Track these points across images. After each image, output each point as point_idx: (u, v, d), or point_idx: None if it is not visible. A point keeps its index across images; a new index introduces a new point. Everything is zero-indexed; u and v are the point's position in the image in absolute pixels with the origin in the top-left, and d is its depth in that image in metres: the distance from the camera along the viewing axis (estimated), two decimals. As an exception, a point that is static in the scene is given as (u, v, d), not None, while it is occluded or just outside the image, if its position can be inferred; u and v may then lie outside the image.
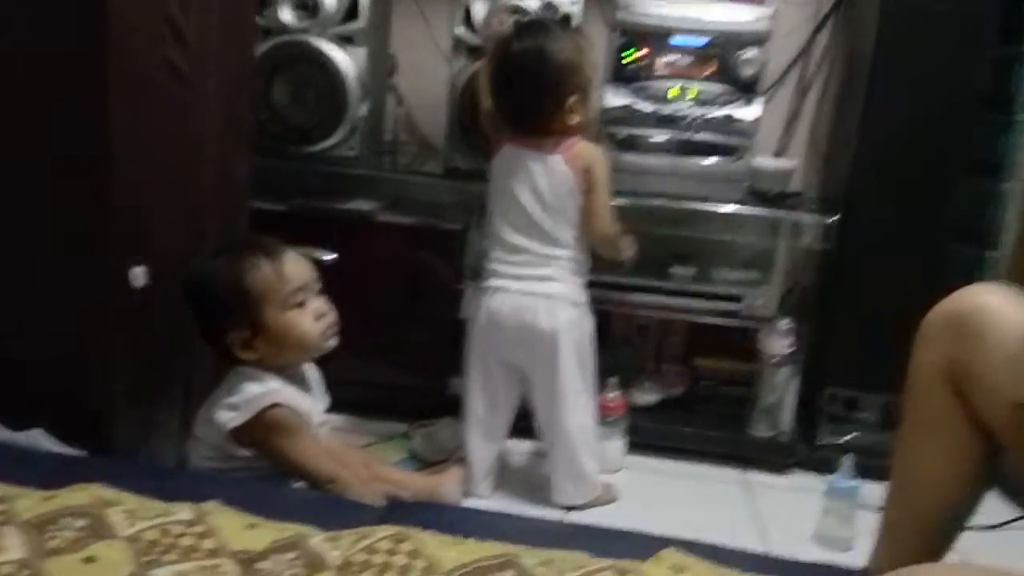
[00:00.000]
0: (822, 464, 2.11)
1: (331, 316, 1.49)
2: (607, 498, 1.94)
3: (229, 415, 1.40)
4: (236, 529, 1.08)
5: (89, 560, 1.00)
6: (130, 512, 1.09)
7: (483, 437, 1.91)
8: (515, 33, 1.82)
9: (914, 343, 1.15)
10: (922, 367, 1.14)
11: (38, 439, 1.35)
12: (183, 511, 1.10)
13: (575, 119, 1.78)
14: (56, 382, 1.39)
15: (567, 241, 1.81)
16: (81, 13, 1.32)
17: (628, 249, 1.89)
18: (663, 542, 1.14)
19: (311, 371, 1.56)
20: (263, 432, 1.41)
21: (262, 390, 1.41)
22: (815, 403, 2.20)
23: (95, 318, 1.39)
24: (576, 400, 1.85)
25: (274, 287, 1.43)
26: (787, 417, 2.18)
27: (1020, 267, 2.11)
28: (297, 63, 2.14)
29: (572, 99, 1.77)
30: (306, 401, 1.48)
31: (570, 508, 1.89)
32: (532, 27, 1.85)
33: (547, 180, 1.79)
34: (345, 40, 2.13)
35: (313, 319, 1.46)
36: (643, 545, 1.13)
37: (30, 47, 1.34)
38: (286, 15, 2.12)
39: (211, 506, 1.12)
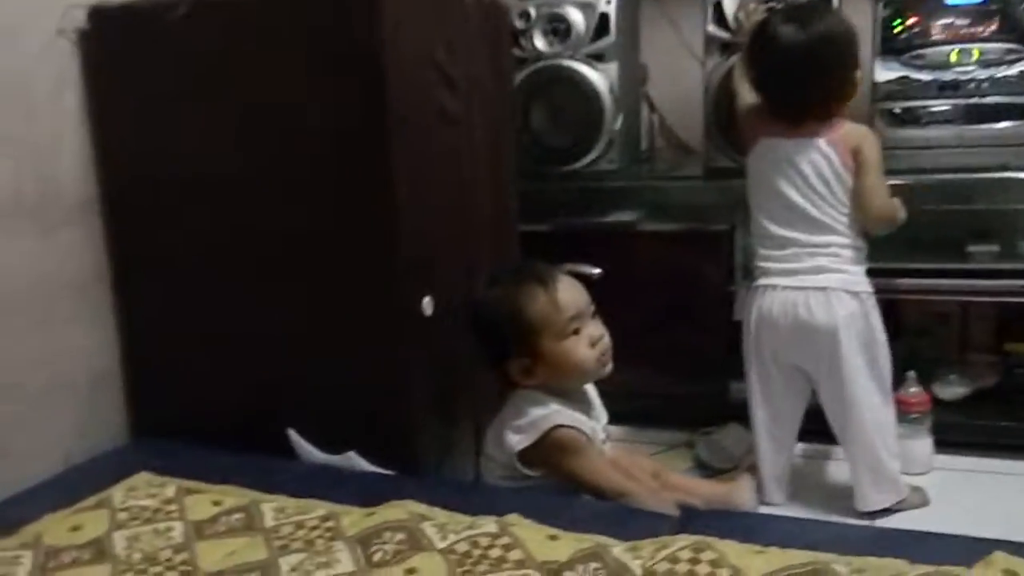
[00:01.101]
0: None
1: (606, 341, 1.50)
2: (917, 502, 1.79)
3: (516, 438, 1.45)
4: (539, 540, 1.11)
5: (410, 572, 1.07)
6: (441, 526, 1.16)
7: (770, 442, 1.84)
8: (775, 19, 1.76)
9: None
10: None
11: (354, 460, 1.48)
12: (489, 524, 1.15)
13: (846, 99, 1.70)
14: (364, 408, 1.52)
15: (838, 227, 1.71)
16: (358, 67, 1.44)
17: (900, 211, 1.74)
18: (989, 545, 1.03)
19: (590, 389, 1.59)
20: (549, 452, 1.45)
21: (545, 412, 1.45)
22: None
23: (393, 348, 1.50)
24: (867, 397, 1.73)
25: (550, 317, 1.46)
26: None
27: None
28: (552, 86, 2.20)
29: (844, 78, 1.68)
30: (587, 420, 1.51)
31: (874, 514, 1.77)
32: (792, 11, 1.79)
33: (812, 166, 1.70)
34: (596, 58, 2.17)
35: (588, 346, 1.47)
36: (966, 549, 1.04)
37: (312, 104, 1.47)
38: (540, 42, 2.19)
39: (513, 519, 1.17)
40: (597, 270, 2.07)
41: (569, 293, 1.49)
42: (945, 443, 1.98)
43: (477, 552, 1.09)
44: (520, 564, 1.07)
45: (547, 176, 2.24)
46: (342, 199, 1.49)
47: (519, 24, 2.18)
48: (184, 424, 1.56)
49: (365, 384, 1.51)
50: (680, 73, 2.39)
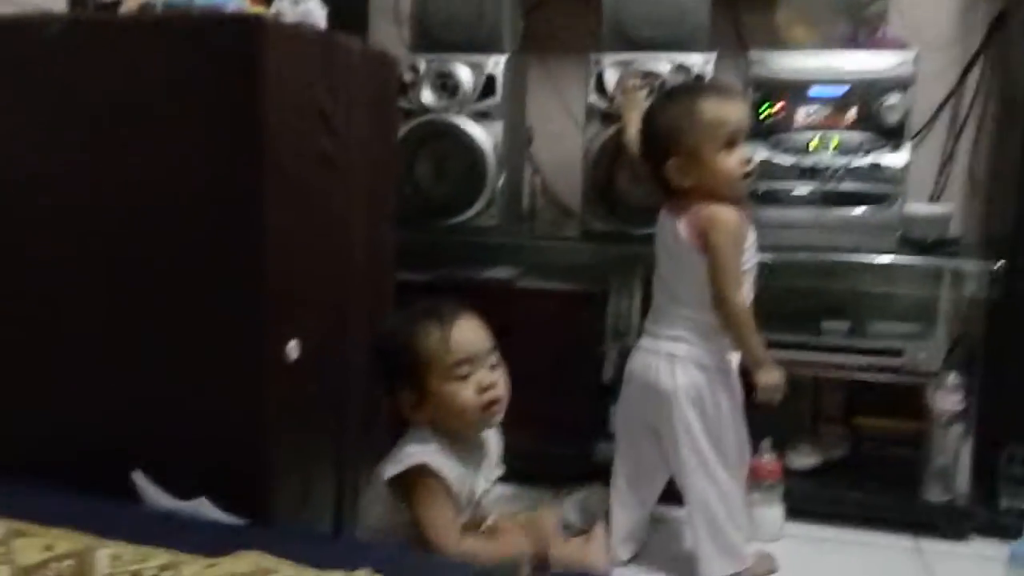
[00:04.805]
0: (1004, 529, 1.95)
1: (498, 392, 1.46)
2: (765, 569, 1.84)
3: (388, 466, 1.43)
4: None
5: (248, 625, 1.03)
6: (286, 579, 1.12)
7: (626, 499, 1.87)
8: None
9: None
10: None
11: (203, 507, 1.42)
12: (335, 579, 1.12)
13: (686, 181, 1.71)
14: (217, 453, 1.46)
15: (692, 302, 1.75)
16: (236, 107, 1.42)
17: (772, 376, 1.74)
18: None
19: (492, 441, 1.55)
20: (408, 488, 1.43)
21: (420, 448, 1.43)
22: (993, 463, 2.04)
23: (250, 392, 1.46)
24: (708, 467, 1.75)
25: (439, 356, 1.43)
26: (962, 479, 2.03)
27: None
28: (437, 140, 2.23)
29: (672, 161, 1.71)
30: (465, 474, 1.48)
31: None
32: (670, 91, 1.88)
33: (674, 241, 1.75)
34: (482, 116, 2.21)
35: (476, 392, 1.44)
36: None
37: (186, 140, 1.44)
38: (427, 96, 2.22)
39: (362, 574, 1.14)
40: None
41: (466, 335, 1.46)
42: (796, 511, 2.05)
43: (320, 608, 1.06)
44: (364, 621, 1.04)
45: (428, 228, 2.26)
46: (208, 236, 1.45)
47: (408, 77, 2.21)
48: (18, 459, 1.46)
49: (220, 427, 1.46)
50: (563, 137, 2.47)
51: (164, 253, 1.47)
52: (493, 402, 1.46)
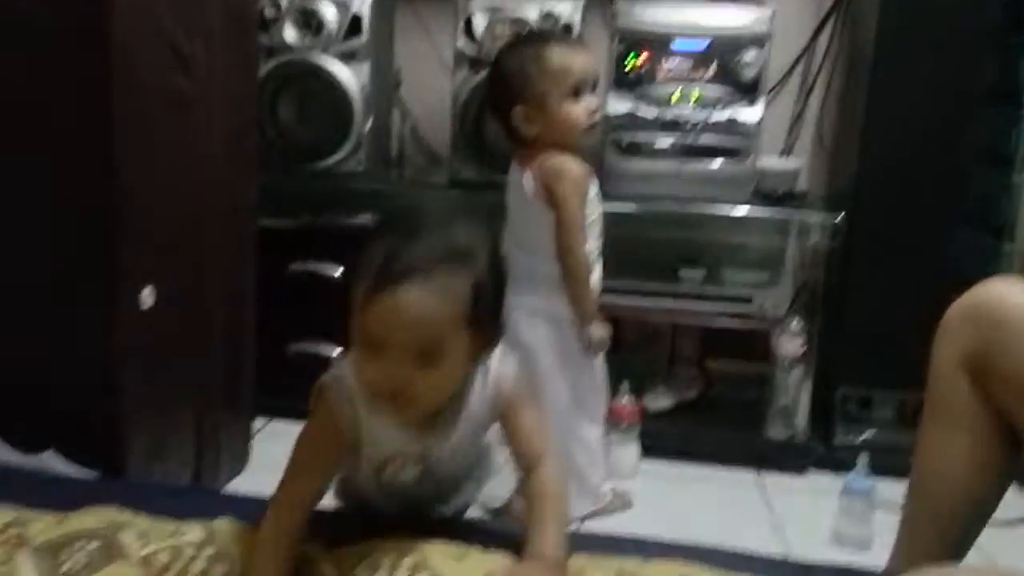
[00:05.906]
0: (839, 464, 2.09)
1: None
2: (620, 505, 1.93)
3: None
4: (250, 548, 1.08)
5: (102, 583, 1.00)
6: (142, 533, 1.09)
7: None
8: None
9: (935, 336, 1.14)
10: (943, 360, 1.12)
11: (50, 462, 1.36)
12: (194, 531, 1.11)
13: (531, 129, 1.72)
14: (67, 404, 1.41)
15: (541, 254, 1.76)
16: (83, 41, 1.34)
17: (598, 330, 1.78)
18: (678, 548, 1.13)
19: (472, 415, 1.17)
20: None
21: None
22: (830, 402, 2.19)
23: (103, 339, 1.41)
24: (565, 414, 1.79)
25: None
26: (802, 417, 2.17)
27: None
28: (301, 81, 2.16)
29: (518, 109, 1.71)
30: (387, 432, 1.10)
31: (581, 518, 1.88)
32: (515, 39, 1.87)
33: (521, 193, 1.77)
34: (348, 56, 2.15)
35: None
36: (655, 551, 1.13)
37: (33, 78, 1.36)
38: (289, 34, 2.14)
39: (222, 524, 1.13)
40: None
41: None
42: (652, 449, 2.14)
43: (178, 564, 1.04)
44: None
45: (292, 172, 2.20)
46: (57, 178, 1.38)
47: (268, 13, 2.11)
48: None
49: (69, 375, 1.41)
50: (433, 81, 2.43)
51: (10, 192, 1.38)
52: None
